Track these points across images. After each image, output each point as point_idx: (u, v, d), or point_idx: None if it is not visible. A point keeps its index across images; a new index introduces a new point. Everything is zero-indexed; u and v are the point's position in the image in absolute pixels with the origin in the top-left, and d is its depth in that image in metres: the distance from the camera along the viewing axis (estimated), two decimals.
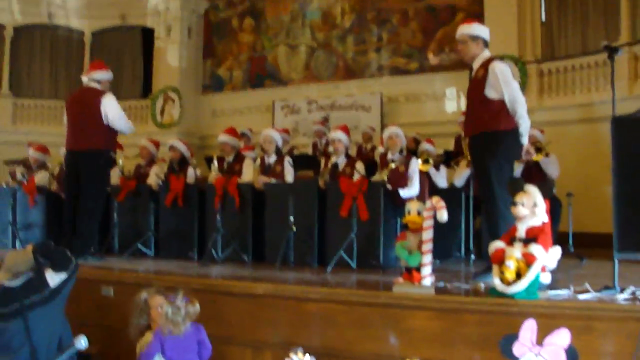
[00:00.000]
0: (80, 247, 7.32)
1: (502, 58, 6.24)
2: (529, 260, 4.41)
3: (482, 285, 5.16)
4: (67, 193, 8.06)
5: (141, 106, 17.37)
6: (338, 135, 8.02)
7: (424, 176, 8.19)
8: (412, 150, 9.06)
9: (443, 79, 13.76)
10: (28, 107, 17.43)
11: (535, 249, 4.40)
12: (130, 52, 17.88)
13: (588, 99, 11.92)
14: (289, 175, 8.18)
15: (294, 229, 7.29)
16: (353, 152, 10.02)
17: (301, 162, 9.54)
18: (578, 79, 12.35)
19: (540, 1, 13.11)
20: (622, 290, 4.64)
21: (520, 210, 4.59)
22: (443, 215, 4.78)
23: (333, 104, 14.96)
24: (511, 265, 4.45)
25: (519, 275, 4.44)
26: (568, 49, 12.77)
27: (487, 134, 5.83)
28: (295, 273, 6.59)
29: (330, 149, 8.32)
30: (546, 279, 4.61)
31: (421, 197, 7.64)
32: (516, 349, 3.97)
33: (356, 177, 7.44)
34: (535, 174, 8.40)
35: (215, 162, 8.42)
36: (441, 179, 8.86)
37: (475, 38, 6.06)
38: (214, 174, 8.32)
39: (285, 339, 5.19)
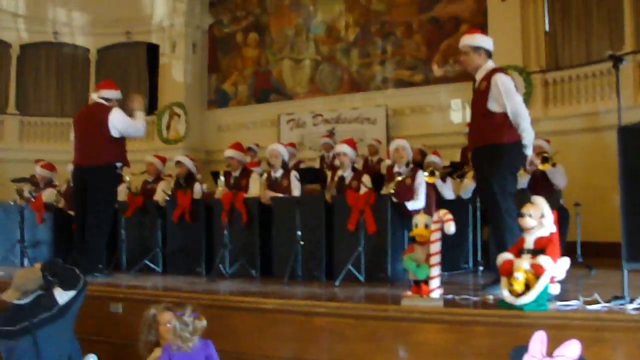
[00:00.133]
0: (88, 264, 7.33)
1: (505, 69, 6.23)
2: (537, 271, 4.41)
3: (490, 297, 5.15)
4: (76, 210, 8.07)
5: (147, 122, 17.31)
6: (343, 148, 8.01)
7: (431, 188, 8.18)
8: (418, 162, 9.06)
9: (448, 91, 13.76)
10: (34, 125, 17.48)
11: (543, 260, 4.40)
12: (136, 69, 17.95)
13: (593, 108, 11.90)
14: (296, 190, 8.18)
15: (302, 243, 7.29)
16: (359, 165, 10.01)
17: (308, 175, 9.55)
18: (583, 88, 12.33)
19: (544, 11, 13.10)
20: (631, 301, 4.61)
21: (528, 221, 4.59)
22: (450, 228, 4.78)
23: (338, 117, 14.97)
24: (520, 277, 4.44)
25: (527, 287, 4.43)
26: (572, 59, 12.76)
27: (490, 147, 5.83)
28: (304, 287, 6.58)
29: (337, 162, 8.31)
30: (555, 290, 4.60)
31: (428, 209, 7.62)
32: None
33: (363, 190, 7.42)
34: (542, 185, 8.40)
35: (222, 178, 8.42)
36: (448, 190, 8.86)
37: (477, 49, 6.06)
38: (220, 189, 8.33)
39: (293, 354, 5.19)
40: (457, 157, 10.12)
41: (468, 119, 6.32)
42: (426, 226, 4.90)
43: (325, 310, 5.20)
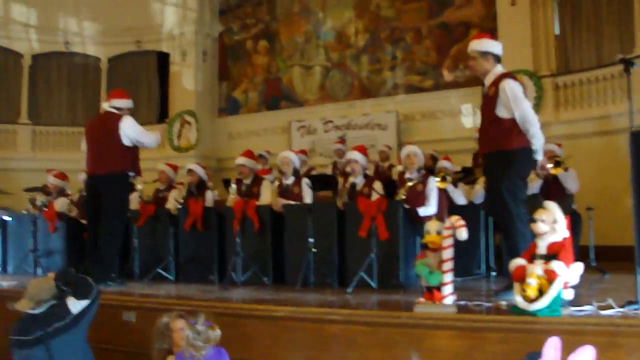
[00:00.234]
0: (101, 273, 7.36)
1: (514, 74, 6.21)
2: (550, 277, 4.39)
3: (504, 303, 5.13)
4: (88, 218, 8.10)
5: (158, 130, 17.40)
6: (354, 156, 8.00)
7: (442, 194, 8.17)
8: (430, 168, 9.04)
9: (458, 96, 13.75)
10: (46, 134, 17.57)
11: (556, 265, 4.38)
12: (146, 77, 18.02)
13: (605, 111, 11.86)
14: (307, 197, 8.19)
15: (314, 250, 7.28)
16: (370, 171, 10.00)
17: (320, 182, 9.56)
18: (594, 91, 12.28)
19: (554, 14, 13.07)
20: None
21: (540, 227, 4.58)
22: (462, 234, 4.78)
23: (349, 123, 14.97)
24: (533, 283, 4.43)
25: (541, 293, 4.42)
26: (583, 62, 12.72)
27: (500, 153, 5.82)
28: (316, 294, 6.57)
29: (348, 168, 8.31)
30: (569, 295, 4.59)
31: (440, 215, 7.62)
32: None
33: (374, 197, 7.42)
34: (554, 189, 8.37)
35: (234, 185, 8.43)
36: (459, 196, 8.83)
37: (484, 54, 6.04)
38: (232, 197, 8.34)
39: None
40: (468, 163, 10.11)
41: (479, 123, 6.29)
42: (438, 233, 4.89)
43: (338, 318, 5.20)
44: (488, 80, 6.02)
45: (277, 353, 5.35)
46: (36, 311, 4.85)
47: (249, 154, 8.78)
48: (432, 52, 14.46)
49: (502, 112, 5.80)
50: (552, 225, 4.56)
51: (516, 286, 4.61)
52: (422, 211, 7.45)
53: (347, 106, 15.38)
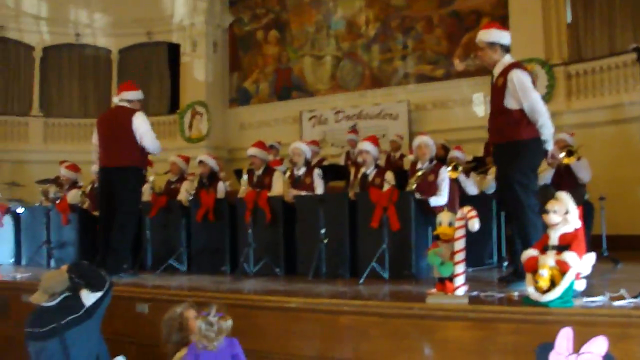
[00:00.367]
0: (114, 265, 7.41)
1: (522, 64, 6.19)
2: (562, 268, 4.38)
3: (515, 294, 5.12)
4: (100, 210, 8.14)
5: (169, 121, 17.52)
6: (366, 146, 7.99)
7: (454, 183, 8.16)
8: (441, 158, 9.03)
9: (470, 85, 13.69)
10: (58, 126, 17.65)
11: (568, 256, 4.36)
12: (157, 68, 18.05)
13: (617, 99, 11.79)
14: (319, 188, 8.19)
15: (326, 241, 7.29)
16: (382, 161, 9.99)
17: (331, 172, 9.56)
18: (606, 80, 12.20)
19: (566, 3, 12.98)
20: None
21: (553, 217, 4.56)
22: (475, 225, 4.77)
23: (360, 113, 14.96)
24: (545, 274, 4.41)
25: (553, 284, 4.40)
26: (595, 50, 12.63)
27: (510, 144, 5.82)
28: (328, 285, 6.57)
29: (360, 159, 8.31)
30: (581, 286, 4.57)
31: (451, 205, 7.61)
32: (552, 358, 3.94)
33: (386, 187, 7.41)
34: (566, 179, 8.34)
35: (245, 176, 8.44)
36: (471, 186, 8.82)
37: (492, 44, 6.01)
38: (244, 188, 8.36)
39: (318, 353, 5.20)
40: (480, 152, 10.08)
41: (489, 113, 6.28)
42: (450, 224, 4.89)
43: (349, 309, 5.20)
44: (496, 70, 6.01)
45: (289, 344, 5.37)
46: (50, 304, 4.88)
47: (260, 144, 8.79)
48: (443, 41, 14.41)
49: (510, 103, 5.80)
50: (564, 216, 4.54)
51: (528, 277, 4.60)
52: (433, 201, 7.45)
53: (358, 96, 15.37)
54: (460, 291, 4.86)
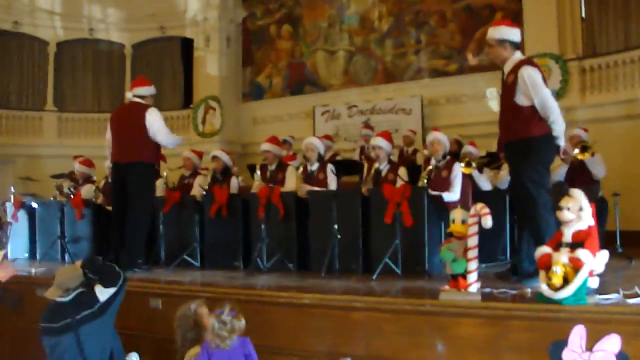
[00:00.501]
0: (128, 260, 7.45)
1: (533, 60, 6.17)
2: (576, 265, 4.37)
3: (529, 291, 5.11)
4: (114, 205, 8.17)
5: (183, 116, 17.59)
6: (379, 142, 7.98)
7: (467, 179, 8.13)
8: (455, 153, 9.01)
9: (483, 79, 13.62)
10: (72, 121, 17.76)
11: (582, 253, 4.36)
12: (170, 63, 18.10)
13: (632, 94, 11.74)
14: (332, 183, 8.19)
15: (339, 236, 7.30)
16: (395, 156, 9.98)
17: (345, 167, 9.55)
18: (621, 74, 12.15)
19: None
20: None
21: (566, 214, 4.56)
22: (488, 222, 4.77)
23: (373, 108, 14.94)
24: (558, 271, 4.41)
25: (566, 281, 4.40)
26: (610, 45, 12.57)
27: (521, 141, 5.80)
28: (341, 281, 6.58)
29: (373, 154, 8.30)
30: (594, 283, 4.57)
31: (465, 201, 7.60)
32: (565, 356, 3.92)
33: (399, 183, 7.41)
34: (580, 175, 8.31)
35: (259, 172, 8.45)
36: (484, 181, 8.80)
37: (502, 42, 6.01)
38: (257, 183, 8.37)
39: (331, 349, 5.22)
40: (493, 147, 10.03)
41: None
42: (463, 222, 4.89)
43: (362, 305, 5.22)
44: (507, 67, 6.00)
45: (302, 340, 5.39)
46: (64, 299, 4.91)
47: (273, 139, 8.80)
48: (457, 36, 14.37)
49: (521, 100, 5.78)
50: (577, 213, 4.54)
51: (542, 274, 4.59)
52: (446, 197, 7.44)
53: (372, 91, 15.35)
54: (473, 288, 4.86)
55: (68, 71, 17.96)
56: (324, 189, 8.06)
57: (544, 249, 4.63)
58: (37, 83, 17.64)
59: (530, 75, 5.74)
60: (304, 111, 16.19)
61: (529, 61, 5.99)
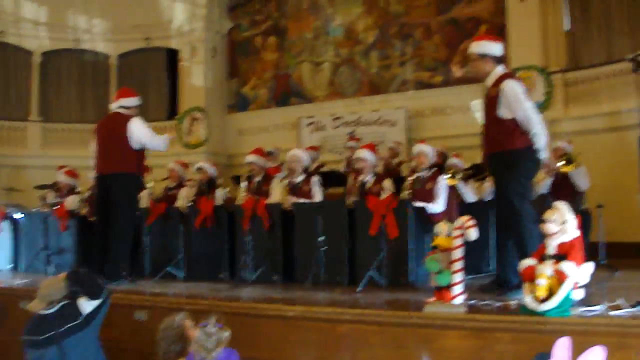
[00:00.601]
0: (112, 272, 7.42)
1: (515, 74, 6.23)
2: (560, 277, 4.39)
3: (513, 303, 5.13)
4: (97, 217, 8.14)
5: (168, 127, 17.48)
6: (363, 154, 8.01)
7: (452, 191, 8.16)
8: (440, 165, 9.03)
9: (468, 91, 13.62)
10: (57, 132, 17.65)
11: (566, 266, 4.38)
12: (156, 74, 18.07)
13: (615, 107, 11.82)
14: (317, 195, 8.19)
15: (324, 248, 7.30)
16: (380, 168, 10.00)
17: (330, 179, 9.56)
18: (604, 87, 12.24)
19: (564, 10, 13.02)
20: None
21: (550, 227, 4.57)
22: (472, 235, 4.79)
23: (358, 119, 14.98)
24: (543, 283, 4.43)
25: (551, 293, 4.42)
26: (593, 58, 12.68)
27: (504, 153, 5.86)
28: (326, 293, 6.56)
29: (357, 166, 8.32)
30: (578, 295, 4.58)
31: (449, 213, 7.63)
32: None
33: (384, 195, 7.43)
34: (564, 187, 8.37)
35: (244, 183, 8.46)
36: (469, 193, 8.83)
37: (483, 56, 6.06)
38: (242, 195, 8.36)
39: None
40: (478, 159, 10.04)
41: None
42: (448, 235, 4.90)
43: (348, 317, 5.21)
44: (489, 81, 6.06)
45: (287, 353, 5.37)
46: (48, 311, 4.89)
47: (259, 151, 8.81)
48: (442, 48, 14.44)
49: (504, 113, 5.83)
50: (562, 225, 4.56)
51: (526, 286, 4.62)
52: (430, 208, 7.46)
53: (357, 102, 15.39)
54: (458, 300, 4.86)
55: (53, 81, 17.88)
56: (309, 200, 8.06)
57: (529, 261, 4.65)
58: (22, 93, 17.53)
59: (512, 88, 5.80)
60: (289, 122, 16.21)
61: (511, 75, 6.07)
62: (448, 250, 4.89)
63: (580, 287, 4.58)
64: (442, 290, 4.92)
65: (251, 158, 8.65)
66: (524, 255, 5.24)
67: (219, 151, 16.81)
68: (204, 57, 17.07)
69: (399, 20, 14.99)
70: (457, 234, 4.86)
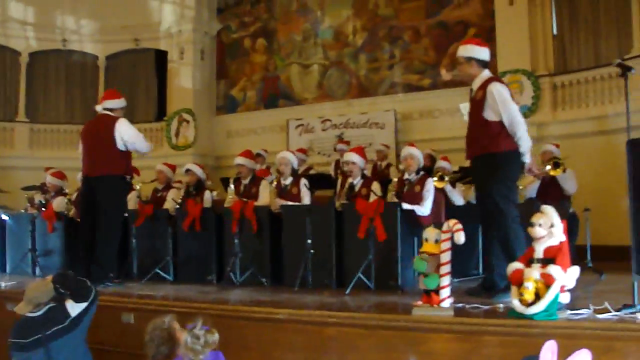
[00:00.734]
0: (99, 275, 7.40)
1: (501, 78, 6.28)
2: (547, 281, 4.42)
3: (501, 307, 5.15)
4: (82, 219, 8.12)
5: (156, 129, 17.50)
6: (352, 157, 8.02)
7: (440, 194, 8.19)
8: (428, 168, 9.06)
9: (456, 94, 13.61)
10: (44, 132, 17.54)
11: (553, 269, 4.41)
12: (144, 75, 18.02)
13: (602, 111, 11.88)
14: (306, 198, 8.20)
15: (312, 251, 7.29)
16: (369, 171, 10.02)
17: (318, 181, 9.56)
18: (592, 91, 12.29)
19: (552, 14, 13.07)
20: None
21: (538, 231, 4.60)
22: (460, 238, 4.81)
23: (347, 122, 14.97)
24: (530, 287, 4.45)
25: (538, 296, 4.45)
26: (581, 62, 12.73)
27: (488, 156, 5.91)
28: (314, 296, 6.58)
29: (346, 168, 8.34)
30: (565, 299, 4.61)
31: (437, 215, 7.66)
32: None
33: (372, 198, 7.44)
34: (552, 191, 8.40)
35: (232, 186, 8.45)
36: (457, 196, 8.87)
37: (469, 59, 6.13)
38: (230, 198, 8.35)
39: None
40: (466, 162, 10.07)
41: None
42: (436, 241, 4.92)
43: (336, 320, 5.22)
44: (475, 84, 6.13)
45: (275, 355, 5.37)
46: (35, 314, 4.88)
47: (247, 153, 8.80)
48: (430, 51, 14.45)
49: (489, 115, 5.89)
50: (549, 229, 4.58)
51: (513, 290, 4.64)
52: (417, 211, 7.48)
53: (345, 105, 15.37)
54: (446, 303, 4.89)
55: (40, 82, 17.78)
56: (297, 203, 8.07)
57: (516, 265, 4.68)
58: (9, 94, 17.44)
59: (499, 91, 5.86)
60: (278, 125, 16.19)
61: (497, 78, 6.17)
62: (436, 254, 4.91)
63: (567, 290, 4.61)
64: (430, 294, 4.94)
65: (240, 160, 8.64)
66: (510, 256, 5.29)
67: (207, 153, 16.79)
68: (192, 59, 17.02)
69: (388, 23, 15.00)
70: (445, 237, 4.88)
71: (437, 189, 8.00)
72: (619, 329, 4.24)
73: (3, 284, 7.94)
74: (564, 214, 5.02)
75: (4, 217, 10.01)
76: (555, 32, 13.04)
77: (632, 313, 4.55)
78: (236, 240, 7.72)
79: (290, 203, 8.02)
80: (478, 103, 5.99)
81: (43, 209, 9.62)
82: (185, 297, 6.78)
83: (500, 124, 5.87)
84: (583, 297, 5.55)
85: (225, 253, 8.11)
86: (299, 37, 16.30)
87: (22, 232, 9.59)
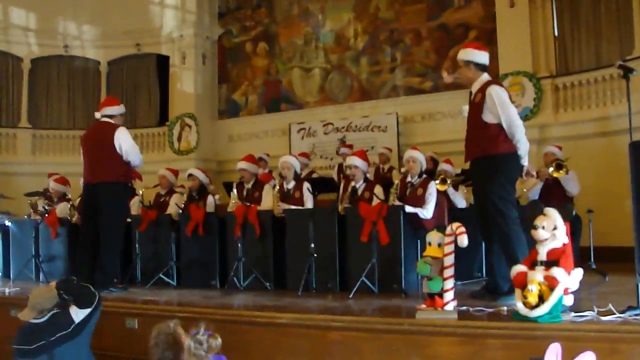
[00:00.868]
0: (103, 281, 7.40)
1: (500, 81, 6.30)
2: (551, 283, 4.42)
3: (505, 309, 5.14)
4: (84, 225, 8.12)
5: (158, 133, 17.51)
6: (354, 161, 8.02)
7: (443, 196, 8.19)
8: (430, 171, 9.06)
9: (458, 97, 13.64)
10: (47, 138, 17.57)
11: (557, 272, 4.41)
12: (146, 80, 18.03)
13: (604, 112, 11.88)
14: (309, 202, 8.20)
15: (315, 255, 7.29)
16: (371, 174, 10.01)
17: (321, 185, 9.56)
18: (593, 92, 12.29)
19: (553, 16, 13.07)
20: None
21: (541, 233, 4.60)
22: (463, 241, 4.81)
23: (349, 125, 14.97)
24: (533, 289, 4.45)
25: (541, 299, 4.44)
26: (582, 63, 12.73)
27: (487, 158, 5.92)
28: (318, 300, 6.58)
29: (349, 172, 8.33)
30: (569, 301, 4.61)
31: (440, 218, 7.66)
32: None
33: (375, 201, 7.44)
34: (554, 192, 8.40)
35: (235, 191, 8.46)
36: (459, 198, 8.87)
37: (467, 63, 6.17)
38: (233, 202, 8.35)
39: None
40: (468, 165, 10.11)
41: None
42: (439, 245, 4.92)
43: (340, 325, 5.21)
44: (474, 87, 6.17)
45: None
46: (39, 320, 4.88)
47: (250, 158, 8.81)
48: (432, 54, 14.46)
49: (488, 117, 5.92)
50: (552, 231, 4.58)
51: (517, 292, 4.64)
52: (419, 213, 7.48)
53: (347, 108, 15.38)
54: (450, 306, 4.88)
55: (42, 88, 17.81)
56: (300, 207, 8.07)
57: (520, 268, 4.68)
58: (11, 100, 17.46)
59: (497, 93, 5.88)
60: (280, 128, 16.20)
61: (496, 82, 6.20)
62: (439, 257, 4.91)
63: (571, 292, 4.60)
64: (434, 297, 4.93)
65: (242, 165, 8.64)
66: (511, 258, 5.30)
67: (209, 157, 16.79)
68: (194, 63, 17.04)
69: (389, 26, 15.01)
70: (449, 241, 4.88)
71: (439, 192, 8.00)
72: (624, 331, 4.24)
73: (7, 290, 7.94)
74: (567, 216, 5.00)
75: (8, 223, 10.01)
76: (556, 33, 13.04)
77: (636, 315, 4.54)
78: (239, 245, 7.72)
79: (293, 207, 8.03)
80: (477, 106, 6.01)
81: (46, 214, 9.63)
82: (188, 302, 6.78)
83: (499, 126, 5.88)
84: (587, 299, 5.55)
85: (229, 258, 8.11)
86: (301, 40, 16.31)
87: (25, 238, 9.61)
